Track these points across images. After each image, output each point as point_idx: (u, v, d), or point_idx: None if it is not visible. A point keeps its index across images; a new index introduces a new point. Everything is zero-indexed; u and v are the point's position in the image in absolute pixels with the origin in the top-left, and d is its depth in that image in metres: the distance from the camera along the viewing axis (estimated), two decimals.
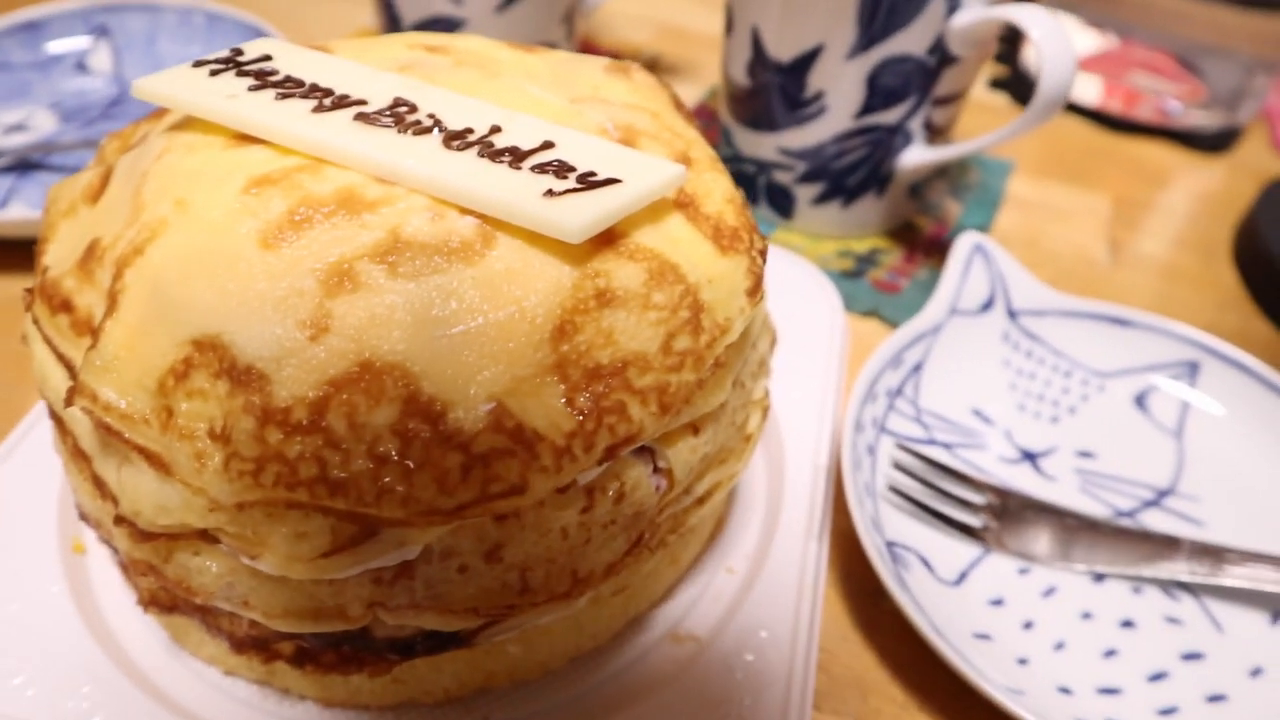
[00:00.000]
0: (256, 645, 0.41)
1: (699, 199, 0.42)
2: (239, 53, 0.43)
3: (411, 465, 0.33)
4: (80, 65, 0.80)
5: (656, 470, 0.39)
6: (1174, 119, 0.92)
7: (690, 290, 0.38)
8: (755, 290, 0.40)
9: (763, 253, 0.42)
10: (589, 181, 0.37)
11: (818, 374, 0.58)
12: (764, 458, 0.54)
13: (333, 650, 0.40)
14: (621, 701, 0.43)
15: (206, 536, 0.37)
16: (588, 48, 0.95)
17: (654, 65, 0.95)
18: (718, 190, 0.43)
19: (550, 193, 0.36)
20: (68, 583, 0.46)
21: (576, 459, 0.35)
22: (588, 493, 0.37)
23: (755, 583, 0.47)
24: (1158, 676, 0.48)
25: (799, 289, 0.63)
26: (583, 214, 0.35)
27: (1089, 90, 0.93)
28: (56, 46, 0.81)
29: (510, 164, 0.38)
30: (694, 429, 0.40)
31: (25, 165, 0.71)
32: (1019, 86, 0.96)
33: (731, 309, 0.39)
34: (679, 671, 0.44)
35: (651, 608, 0.47)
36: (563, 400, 0.35)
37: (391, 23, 0.77)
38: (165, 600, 0.42)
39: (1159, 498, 0.56)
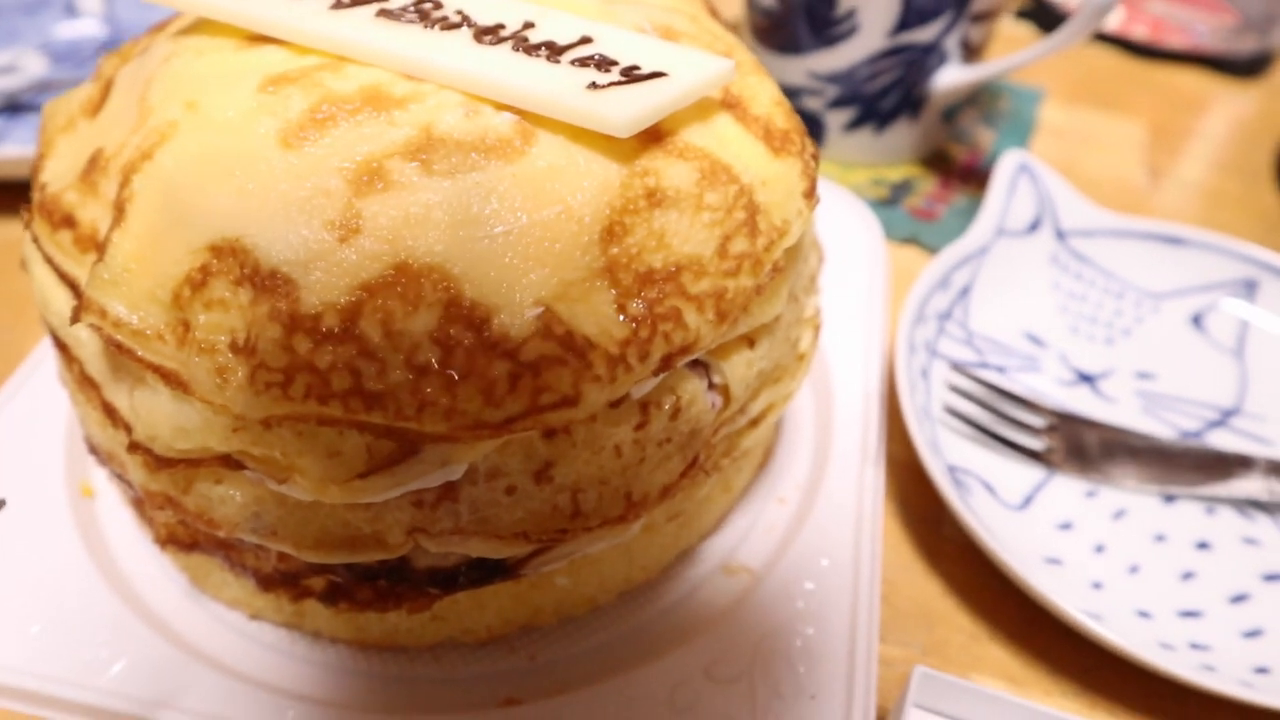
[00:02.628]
0: (285, 581, 0.38)
1: (746, 100, 0.39)
2: None
3: (454, 375, 0.30)
4: (69, 7, 0.77)
5: (712, 386, 0.37)
6: (1205, 45, 0.90)
7: (745, 191, 0.35)
8: (811, 193, 0.38)
9: (815, 157, 0.40)
10: (633, 75, 0.35)
11: (861, 299, 0.55)
12: (810, 385, 0.52)
13: (368, 585, 0.37)
14: (676, 636, 0.41)
15: (229, 462, 0.34)
16: None
17: None
18: (764, 92, 0.40)
19: (594, 85, 0.34)
20: (78, 528, 0.44)
21: (631, 368, 0.32)
22: (642, 407, 0.34)
23: (810, 512, 0.45)
24: (1239, 598, 0.46)
25: (835, 214, 0.60)
26: (630, 107, 0.33)
27: (1109, 16, 0.91)
28: None
29: (548, 58, 0.35)
30: (749, 342, 0.37)
31: (15, 107, 0.69)
32: (1044, 16, 0.94)
33: (789, 210, 0.36)
34: (734, 604, 0.42)
35: (702, 540, 0.45)
36: (614, 306, 0.32)
37: None
38: (184, 537, 0.39)
39: (1224, 417, 0.55)
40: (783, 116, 0.40)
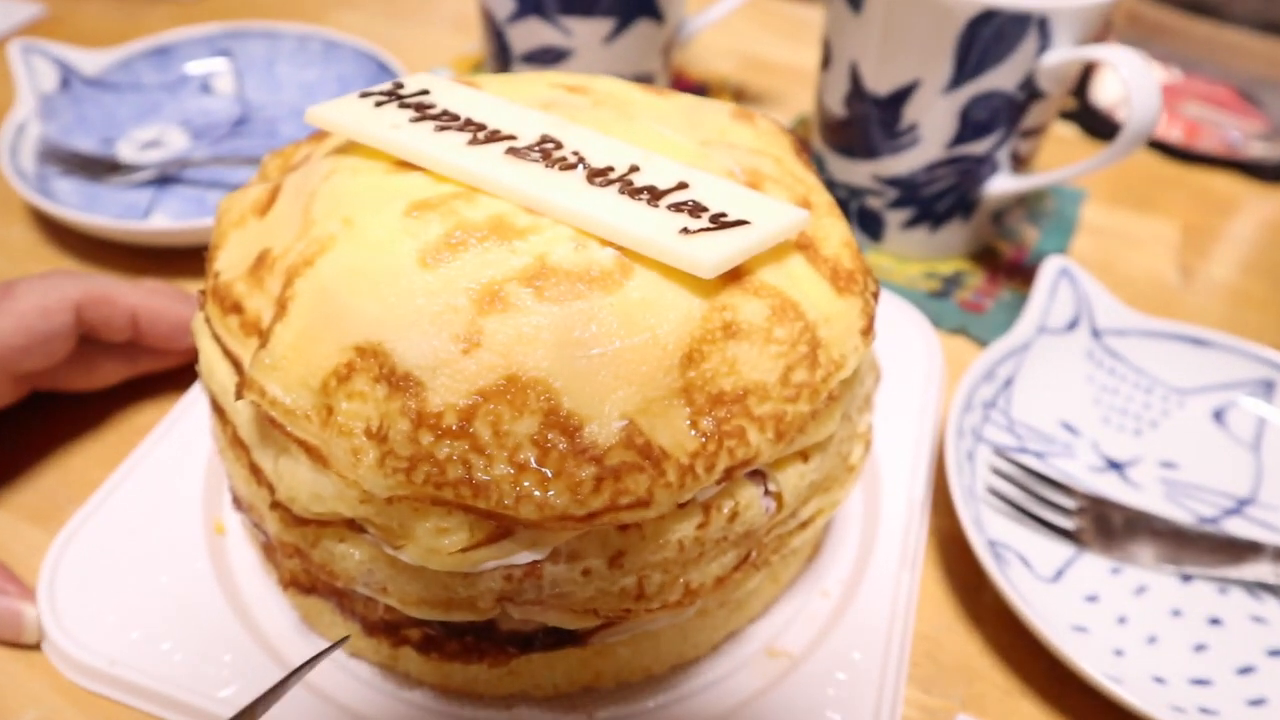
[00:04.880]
0: (387, 629, 0.44)
1: (818, 242, 0.44)
2: (399, 86, 0.47)
3: (549, 473, 0.36)
4: (205, 86, 0.86)
5: (767, 493, 0.42)
6: (1238, 150, 0.94)
7: (809, 327, 0.41)
8: (868, 330, 0.43)
9: (875, 294, 0.45)
10: (721, 221, 0.40)
11: (914, 410, 0.60)
12: (861, 488, 0.56)
13: (457, 640, 0.43)
14: (717, 708, 0.46)
15: (353, 525, 0.40)
16: (679, 78, 0.98)
17: (739, 95, 0.98)
18: (835, 234, 0.45)
19: (685, 230, 0.39)
20: (210, 560, 0.50)
21: (698, 477, 0.37)
22: (705, 509, 0.40)
23: (849, 607, 0.49)
24: (1246, 670, 0.51)
25: (898, 328, 0.65)
26: (716, 251, 0.38)
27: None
28: (185, 69, 0.87)
29: (649, 201, 0.41)
30: (804, 456, 0.42)
31: (163, 179, 0.77)
32: (1088, 118, 0.99)
33: (846, 346, 0.41)
34: (772, 685, 0.46)
35: (750, 623, 0.49)
36: (688, 422, 0.38)
37: (501, 51, 0.81)
38: (305, 581, 0.46)
39: (1240, 506, 0.59)
40: (849, 257, 0.45)
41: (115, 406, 0.62)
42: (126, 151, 0.78)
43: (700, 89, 0.98)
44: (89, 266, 0.72)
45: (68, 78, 0.80)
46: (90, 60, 0.82)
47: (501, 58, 0.81)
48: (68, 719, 0.46)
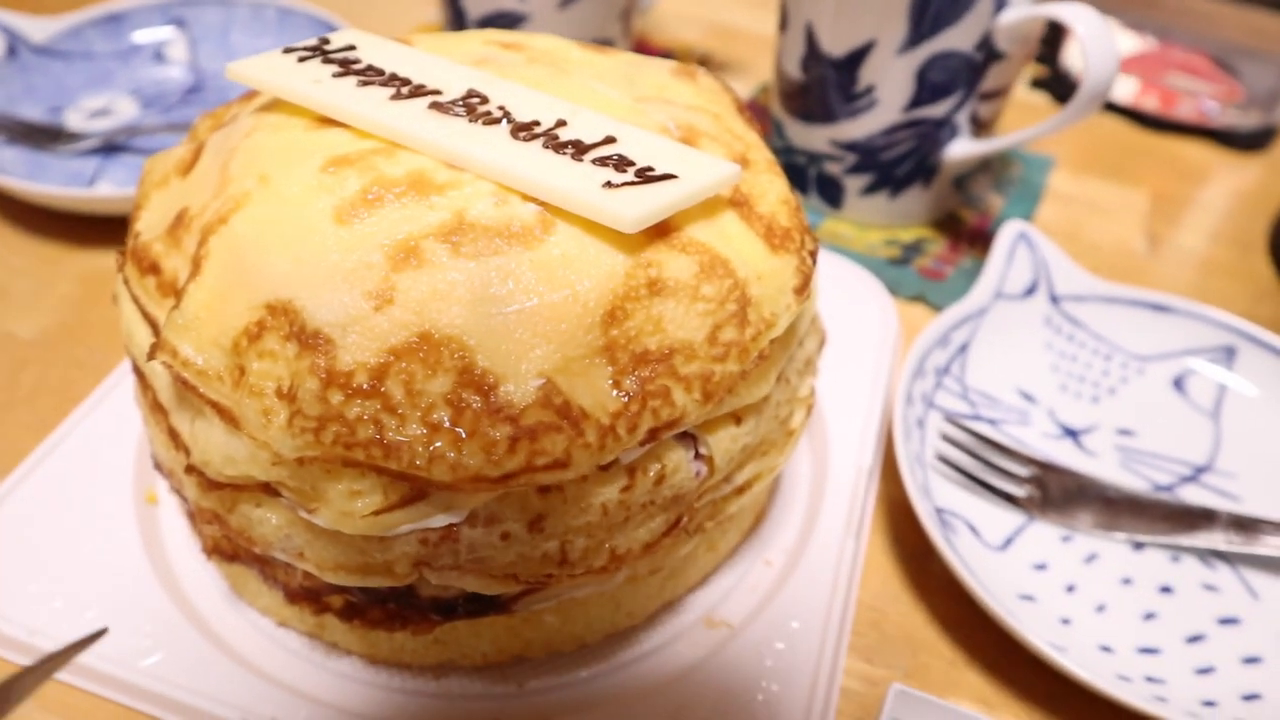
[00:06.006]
0: (308, 597, 0.43)
1: (753, 199, 0.43)
2: (325, 41, 0.46)
3: (462, 433, 0.35)
4: (158, 55, 0.84)
5: (698, 456, 0.40)
6: (1211, 118, 0.93)
7: (739, 284, 0.39)
8: (803, 289, 0.42)
9: (813, 253, 0.44)
10: (646, 176, 0.39)
11: (866, 378, 0.59)
12: (809, 455, 0.55)
13: (379, 606, 0.42)
14: (653, 679, 0.45)
15: (268, 489, 0.39)
16: (642, 45, 0.97)
17: (705, 62, 0.97)
18: (773, 192, 0.44)
19: (609, 184, 0.38)
20: (139, 530, 0.49)
21: (620, 438, 0.36)
22: (629, 472, 0.38)
23: (791, 576, 0.48)
24: (1195, 639, 0.50)
25: (852, 293, 0.64)
26: (638, 205, 0.37)
27: (1124, 89, 0.95)
28: (137, 37, 0.85)
29: (573, 156, 0.39)
30: (736, 419, 0.41)
31: (111, 147, 0.76)
32: (1059, 86, 0.97)
33: (778, 305, 0.40)
34: (709, 655, 0.45)
35: (688, 592, 0.48)
36: (610, 382, 0.37)
37: (456, 17, 0.80)
38: (227, 549, 0.44)
39: (1196, 474, 0.58)
40: (786, 215, 0.44)
41: (50, 372, 0.61)
42: (75, 120, 0.76)
43: (664, 56, 0.96)
44: (35, 236, 0.70)
45: (15, 45, 0.78)
46: (39, 27, 0.80)
47: (456, 23, 0.79)
48: None
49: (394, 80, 0.43)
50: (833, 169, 0.74)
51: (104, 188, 0.72)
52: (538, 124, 0.41)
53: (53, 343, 0.63)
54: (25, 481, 0.50)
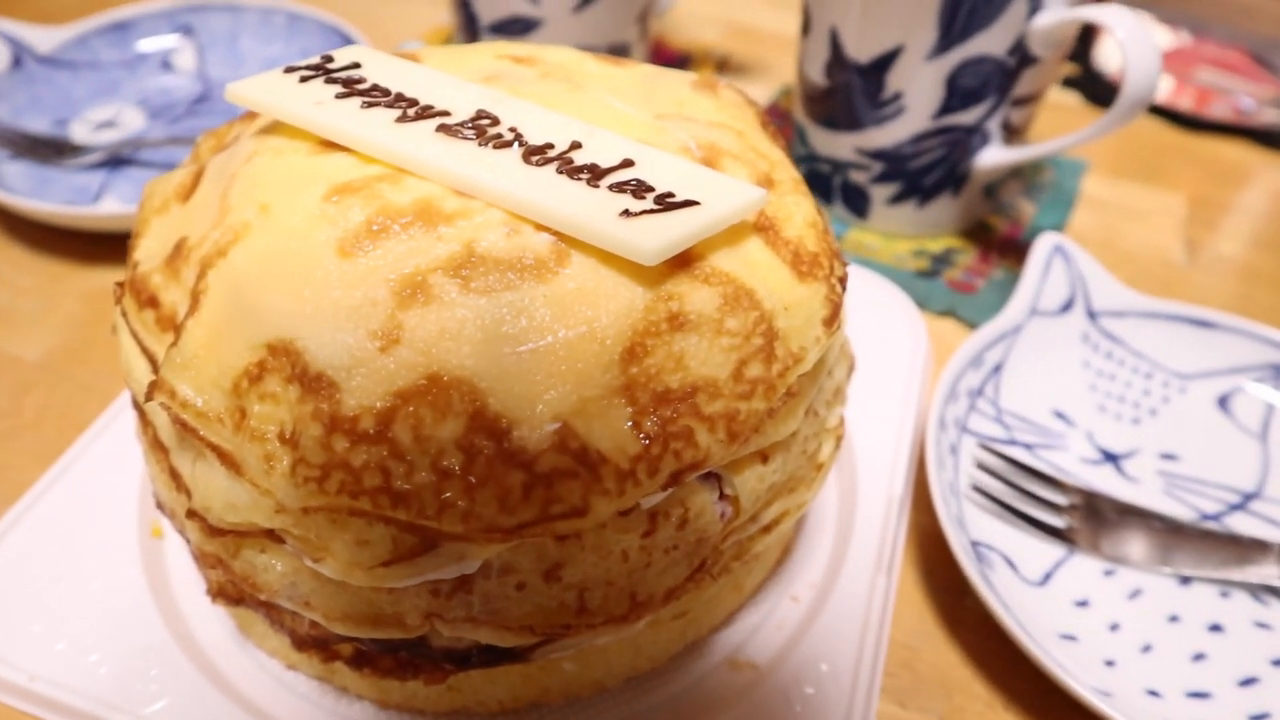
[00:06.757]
0: (317, 644, 0.41)
1: (779, 223, 0.41)
2: (329, 59, 0.44)
3: (474, 481, 0.33)
4: (165, 63, 0.83)
5: (723, 497, 0.38)
6: (1250, 117, 0.89)
7: (765, 317, 0.37)
8: (833, 320, 0.39)
9: (842, 280, 0.41)
10: (667, 203, 0.37)
11: (895, 401, 0.56)
12: (836, 484, 0.53)
13: (390, 655, 0.40)
14: None
15: (273, 536, 0.37)
16: (659, 48, 0.95)
17: (724, 65, 0.94)
18: (799, 214, 0.42)
19: (627, 213, 0.36)
20: (144, 566, 0.48)
21: (640, 483, 0.34)
22: (650, 517, 0.36)
23: (820, 614, 0.46)
24: (1248, 681, 0.47)
25: (880, 310, 0.62)
26: (658, 236, 0.35)
27: (1158, 87, 0.91)
28: (144, 45, 0.83)
29: (588, 182, 0.37)
30: (763, 457, 0.39)
31: (116, 161, 0.74)
32: (1090, 85, 0.94)
33: (806, 338, 0.38)
34: (735, 699, 0.43)
35: (711, 632, 0.46)
36: (629, 423, 0.34)
37: (469, 22, 0.77)
38: (232, 593, 0.43)
39: (1245, 501, 0.55)
40: (814, 239, 0.41)
41: (54, 396, 0.59)
42: (80, 132, 0.75)
43: (682, 59, 0.94)
44: (39, 253, 0.69)
45: (20, 56, 0.77)
46: (44, 37, 0.79)
47: (469, 29, 0.77)
48: None
49: (400, 101, 0.41)
50: (858, 178, 0.72)
51: (109, 203, 0.70)
52: (551, 147, 0.39)
53: (57, 365, 0.61)
54: (28, 515, 0.49)
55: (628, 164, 0.38)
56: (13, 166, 0.71)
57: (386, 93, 0.42)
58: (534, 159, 0.38)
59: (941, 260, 0.72)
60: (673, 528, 0.37)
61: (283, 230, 0.37)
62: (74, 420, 0.57)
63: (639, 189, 0.37)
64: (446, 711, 0.43)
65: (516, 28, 0.75)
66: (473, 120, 0.40)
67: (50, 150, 0.72)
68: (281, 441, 0.34)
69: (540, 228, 0.37)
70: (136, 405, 0.43)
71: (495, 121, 0.40)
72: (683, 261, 0.37)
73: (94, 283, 0.67)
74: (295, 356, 0.34)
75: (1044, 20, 0.60)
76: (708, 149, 0.43)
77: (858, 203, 0.73)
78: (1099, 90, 0.92)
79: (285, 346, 0.35)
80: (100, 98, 0.79)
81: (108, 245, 0.69)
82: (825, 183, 0.74)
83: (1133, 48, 0.57)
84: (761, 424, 0.37)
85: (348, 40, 0.81)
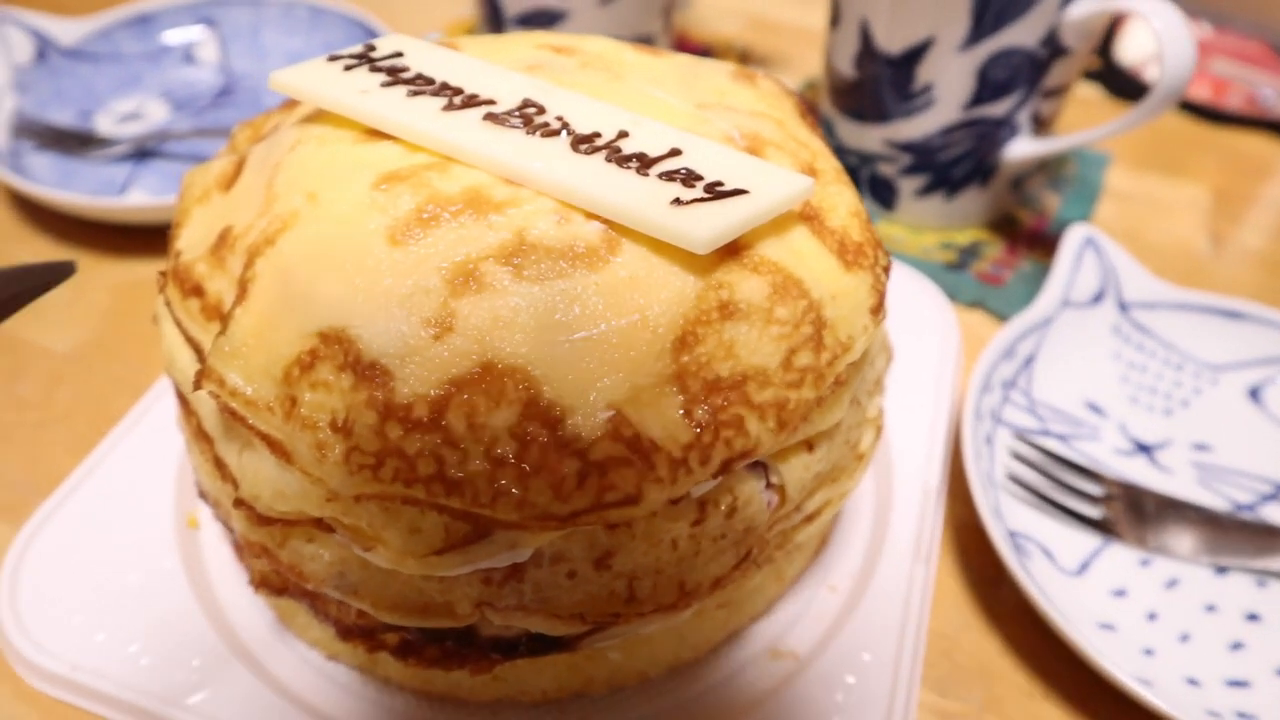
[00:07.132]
0: (362, 634, 0.41)
1: (824, 212, 0.41)
2: (371, 48, 0.44)
3: (528, 469, 0.33)
4: (188, 56, 0.83)
5: (769, 486, 0.38)
6: (1271, 109, 0.89)
7: (814, 306, 0.37)
8: (879, 309, 0.39)
9: (886, 269, 0.41)
10: (716, 191, 0.37)
11: (929, 391, 0.56)
12: (872, 474, 0.53)
13: (437, 645, 0.40)
14: (717, 714, 0.43)
15: (322, 525, 0.37)
16: (681, 41, 0.94)
17: (745, 58, 0.94)
18: (843, 204, 0.42)
19: (678, 201, 0.36)
20: (181, 557, 0.48)
21: (692, 471, 0.34)
22: (700, 505, 0.36)
23: (859, 604, 0.46)
24: None
25: (911, 301, 0.62)
26: (710, 225, 0.35)
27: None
28: (167, 38, 0.83)
29: (638, 170, 0.37)
30: (808, 446, 0.39)
31: (142, 153, 0.74)
32: (1112, 78, 0.94)
33: (854, 327, 0.38)
34: (776, 688, 0.44)
35: (752, 622, 0.46)
36: (681, 411, 0.34)
37: (493, 14, 0.77)
38: (276, 583, 0.43)
39: (1278, 491, 0.56)
40: (858, 229, 0.41)
41: (86, 389, 0.59)
42: (105, 124, 0.75)
43: (704, 51, 0.94)
44: (65, 245, 0.69)
45: (44, 49, 0.76)
46: (68, 30, 0.79)
47: (493, 21, 0.77)
48: None
49: (445, 90, 0.41)
50: (886, 170, 0.72)
51: (136, 195, 0.70)
52: (599, 135, 0.39)
53: (88, 357, 0.61)
54: (64, 507, 0.49)
55: (675, 153, 0.38)
56: (39, 158, 0.70)
57: (431, 81, 0.42)
58: (582, 147, 0.38)
59: (969, 253, 0.72)
60: (721, 516, 0.37)
61: (332, 218, 0.37)
62: (105, 412, 0.57)
63: (688, 178, 0.37)
64: (490, 701, 0.43)
65: (542, 20, 0.75)
66: (519, 109, 0.40)
67: (75, 142, 0.72)
68: (334, 429, 0.34)
69: (590, 216, 0.36)
70: (179, 395, 0.43)
71: (541, 110, 0.40)
72: (731, 251, 0.37)
73: (122, 275, 0.67)
74: (348, 344, 0.34)
75: (1078, 10, 0.60)
76: (751, 138, 0.43)
77: (885, 195, 0.73)
78: (1120, 83, 0.92)
79: (337, 335, 0.35)
80: (124, 90, 0.78)
81: (135, 238, 0.69)
82: (852, 175, 0.74)
83: (1169, 38, 0.57)
84: (810, 412, 0.37)
85: (371, 33, 0.81)
